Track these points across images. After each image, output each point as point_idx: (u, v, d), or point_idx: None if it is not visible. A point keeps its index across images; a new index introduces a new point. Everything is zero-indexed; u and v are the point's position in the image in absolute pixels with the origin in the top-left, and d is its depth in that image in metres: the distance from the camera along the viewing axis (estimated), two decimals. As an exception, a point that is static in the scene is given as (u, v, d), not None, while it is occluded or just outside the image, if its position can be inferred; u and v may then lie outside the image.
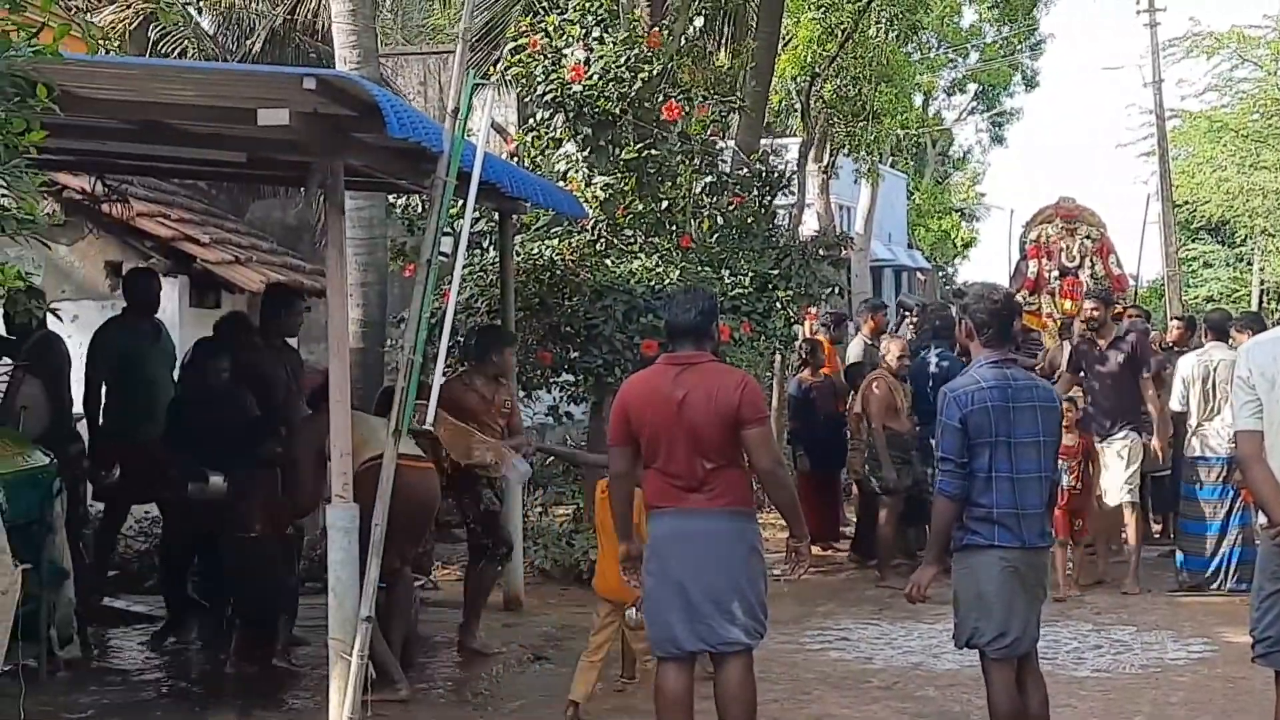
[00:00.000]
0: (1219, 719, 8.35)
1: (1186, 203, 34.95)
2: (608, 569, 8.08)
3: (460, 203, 8.10)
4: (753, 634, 6.81)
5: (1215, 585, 11.92)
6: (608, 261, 12.51)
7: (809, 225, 26.24)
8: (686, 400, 6.72)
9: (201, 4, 19.35)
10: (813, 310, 17.28)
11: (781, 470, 6.90)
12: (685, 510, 6.80)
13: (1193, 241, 41.10)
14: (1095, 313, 12.54)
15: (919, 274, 48.37)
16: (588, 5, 13.24)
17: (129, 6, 16.46)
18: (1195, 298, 38.43)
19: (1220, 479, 11.82)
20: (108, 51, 12.92)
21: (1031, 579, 6.80)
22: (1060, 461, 11.23)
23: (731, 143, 16.69)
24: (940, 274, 51.47)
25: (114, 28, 16.03)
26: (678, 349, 6.94)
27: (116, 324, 10.74)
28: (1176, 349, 15.17)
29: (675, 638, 6.81)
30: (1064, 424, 11.31)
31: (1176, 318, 18.15)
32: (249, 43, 18.03)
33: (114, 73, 7.17)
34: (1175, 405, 12.14)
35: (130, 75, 7.32)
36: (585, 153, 13.00)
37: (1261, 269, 33.92)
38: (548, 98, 12.97)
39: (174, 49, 17.16)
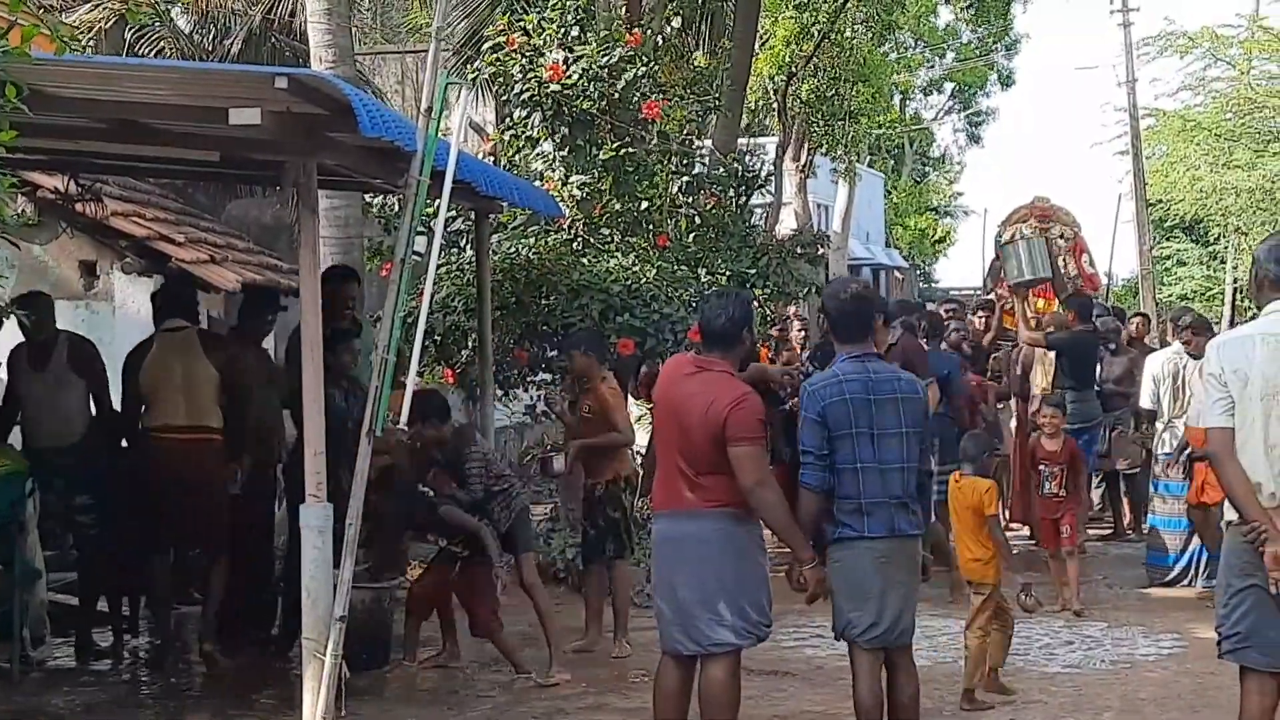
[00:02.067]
0: (1187, 714, 8.39)
1: (1160, 201, 35.07)
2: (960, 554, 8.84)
3: (436, 202, 8.12)
4: (743, 635, 6.79)
5: (1185, 581, 11.96)
6: (584, 261, 12.52)
7: (786, 224, 26.34)
8: (685, 405, 6.77)
9: (178, 4, 19.32)
10: (792, 309, 17.30)
11: (765, 491, 6.65)
12: (677, 513, 6.84)
13: (1167, 240, 41.22)
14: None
15: (896, 273, 48.49)
16: (566, 4, 13.25)
17: (100, 6, 16.43)
18: (1169, 296, 38.56)
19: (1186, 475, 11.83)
20: (83, 50, 12.91)
21: (905, 568, 6.85)
22: (1043, 467, 11.17)
23: (708, 142, 16.73)
24: (918, 272, 51.61)
25: (89, 27, 16.00)
26: (704, 351, 6.98)
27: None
28: (1139, 344, 15.28)
29: (671, 637, 6.87)
30: (1048, 431, 11.32)
31: (1136, 314, 18.29)
32: (227, 43, 18.01)
33: (85, 72, 7.15)
34: (1145, 403, 12.17)
35: (101, 74, 7.30)
36: (563, 152, 13.02)
37: (1235, 267, 34.03)
38: (525, 96, 12.99)
39: (150, 49, 17.13)
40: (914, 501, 6.88)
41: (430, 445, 9.10)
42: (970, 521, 8.63)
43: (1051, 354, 13.93)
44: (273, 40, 17.91)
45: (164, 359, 9.43)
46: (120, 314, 12.80)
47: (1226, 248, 35.57)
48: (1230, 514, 6.12)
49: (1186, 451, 11.44)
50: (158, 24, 17.48)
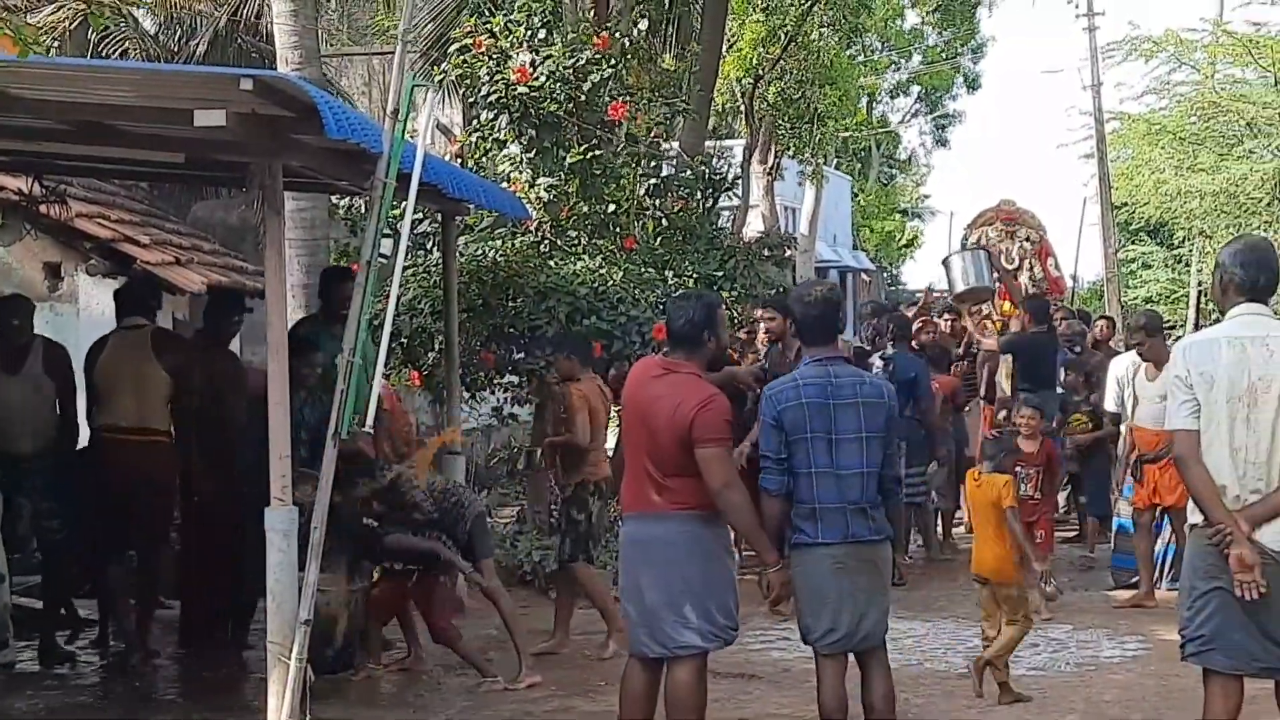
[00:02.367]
0: (1151, 716, 8.42)
1: (1125, 204, 35.19)
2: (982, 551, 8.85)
3: (402, 204, 8.10)
4: (709, 637, 6.79)
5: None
6: (551, 263, 12.52)
7: (753, 226, 26.37)
8: (652, 407, 6.76)
9: (143, 5, 19.22)
10: (759, 311, 17.30)
11: (732, 493, 6.64)
12: (644, 515, 6.84)
13: (1132, 243, 41.37)
14: (773, 323, 11.69)
15: (863, 275, 48.59)
16: (533, 5, 13.23)
17: (64, 7, 16.35)
18: (1134, 298, 38.69)
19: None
20: (46, 52, 12.84)
21: (865, 573, 6.75)
22: (1019, 469, 11.09)
23: (676, 145, 16.74)
24: (885, 275, 51.74)
25: (52, 28, 15.92)
26: (670, 353, 6.99)
27: (309, 324, 10.39)
28: (1104, 347, 15.35)
29: (637, 639, 6.88)
30: (1026, 432, 11.27)
31: (1101, 316, 18.38)
32: (192, 44, 17.95)
33: (49, 73, 7.13)
34: (1110, 405, 12.18)
35: (65, 76, 7.27)
36: (530, 154, 13.00)
37: (1199, 270, 34.17)
38: (491, 98, 12.97)
39: (115, 50, 17.06)
40: (875, 507, 6.80)
41: (367, 503, 9.06)
42: (992, 518, 8.73)
43: (1010, 356, 14.06)
44: (239, 42, 17.86)
45: (116, 358, 9.49)
46: (84, 316, 12.73)
47: (1191, 251, 35.69)
48: (1195, 517, 6.14)
49: (1134, 454, 11.49)
50: (122, 25, 17.41)
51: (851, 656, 6.91)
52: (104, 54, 16.73)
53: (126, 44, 17.32)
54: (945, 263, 16.67)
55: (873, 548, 6.80)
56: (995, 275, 16.49)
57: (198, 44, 17.83)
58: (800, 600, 6.82)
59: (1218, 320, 6.36)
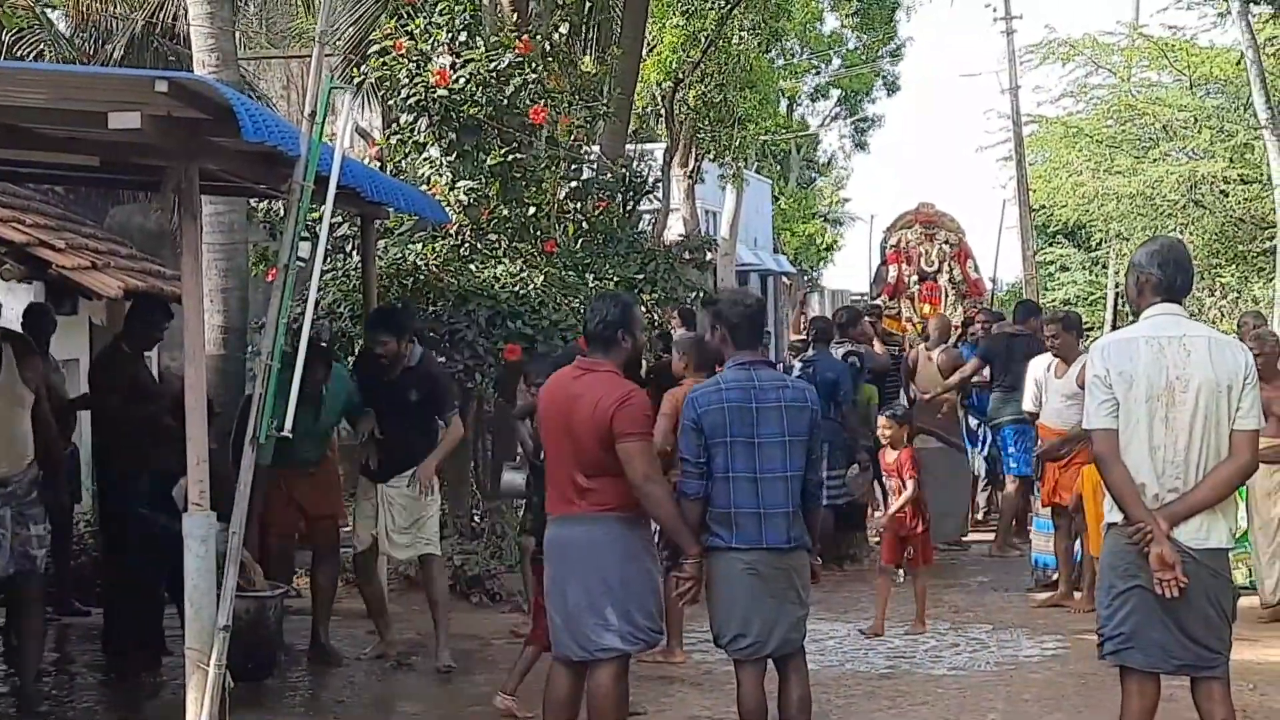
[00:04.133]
0: (1071, 715, 8.50)
1: (1043, 207, 35.51)
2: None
3: (320, 207, 8.06)
4: (629, 640, 6.79)
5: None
6: (471, 267, 12.48)
7: (674, 230, 26.44)
8: (573, 408, 6.77)
9: (59, 7, 19.02)
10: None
11: (653, 486, 6.68)
12: (567, 517, 6.85)
13: (1050, 245, 41.78)
14: (387, 347, 9.63)
15: (784, 278, 48.73)
16: (454, 8, 13.19)
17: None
18: (1053, 300, 39.02)
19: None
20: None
21: (778, 581, 6.77)
22: (888, 480, 10.98)
23: (596, 148, 16.73)
24: (805, 278, 51.93)
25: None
26: (589, 354, 7.00)
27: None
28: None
29: (560, 642, 6.89)
30: (884, 441, 11.04)
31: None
32: (108, 47, 17.74)
33: (-41, 75, 7.02)
34: (1028, 405, 12.24)
35: (-23, 77, 7.17)
36: (450, 157, 12.95)
37: (1116, 272, 34.52)
38: (411, 101, 12.92)
39: (29, 52, 16.86)
40: (795, 513, 6.81)
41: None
42: None
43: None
44: (156, 45, 17.67)
45: None
46: (-2, 321, 12.55)
47: (1108, 253, 36.07)
48: (1114, 515, 6.18)
49: (1035, 451, 11.56)
50: (36, 28, 17.20)
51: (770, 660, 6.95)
52: (18, 56, 16.52)
53: (41, 46, 17.11)
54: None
55: (787, 555, 6.81)
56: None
57: (114, 48, 17.62)
58: (711, 604, 6.86)
59: (1134, 322, 6.41)
